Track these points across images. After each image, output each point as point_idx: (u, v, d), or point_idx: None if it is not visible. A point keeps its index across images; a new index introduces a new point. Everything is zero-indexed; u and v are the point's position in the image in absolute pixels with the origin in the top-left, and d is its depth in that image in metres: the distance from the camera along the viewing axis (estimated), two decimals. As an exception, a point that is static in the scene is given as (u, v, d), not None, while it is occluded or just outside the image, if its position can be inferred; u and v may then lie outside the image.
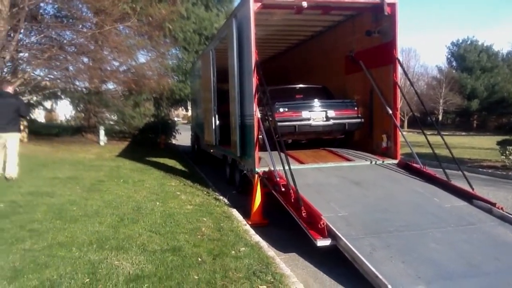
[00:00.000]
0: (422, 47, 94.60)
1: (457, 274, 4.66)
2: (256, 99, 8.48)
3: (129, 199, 8.33)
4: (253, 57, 8.44)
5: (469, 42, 55.19)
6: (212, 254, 5.26)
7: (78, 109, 26.13)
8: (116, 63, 21.78)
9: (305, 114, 9.58)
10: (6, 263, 4.73)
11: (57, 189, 9.10)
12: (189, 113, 51.40)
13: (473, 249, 5.24)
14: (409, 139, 9.29)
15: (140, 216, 7.01)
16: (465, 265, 4.87)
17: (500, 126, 49.27)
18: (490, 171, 13.97)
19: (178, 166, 14.96)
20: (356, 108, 9.89)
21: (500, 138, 16.45)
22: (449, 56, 57.53)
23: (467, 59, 52.98)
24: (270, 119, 8.51)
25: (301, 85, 10.97)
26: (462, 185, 7.21)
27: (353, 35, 10.54)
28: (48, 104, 27.92)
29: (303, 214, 6.14)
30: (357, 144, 10.37)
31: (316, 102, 9.77)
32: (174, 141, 25.89)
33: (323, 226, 5.66)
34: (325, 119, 9.64)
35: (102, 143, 21.95)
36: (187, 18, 23.10)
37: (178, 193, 9.33)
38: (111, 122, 26.18)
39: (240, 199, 9.13)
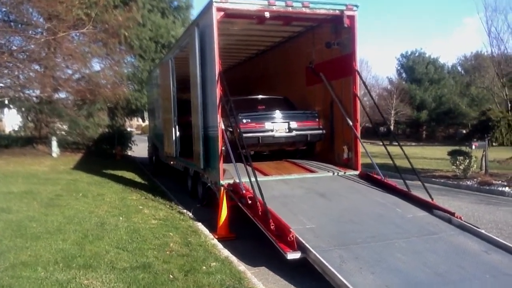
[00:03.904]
0: (373, 58, 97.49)
1: (424, 283, 4.82)
2: (220, 110, 8.44)
3: (91, 214, 8.08)
4: (217, 67, 8.43)
5: (417, 54, 57.13)
6: (183, 270, 5.18)
7: (29, 119, 25.06)
8: (70, 71, 21.21)
9: (268, 125, 9.63)
10: (-34, 286, 4.47)
11: (12, 204, 8.71)
12: (143, 123, 50.66)
13: (437, 259, 5.42)
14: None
15: (105, 232, 6.81)
16: (432, 274, 5.02)
17: (448, 136, 51.40)
18: (442, 180, 14.52)
19: (137, 178, 14.66)
20: (318, 120, 10.04)
21: (449, 148, 17.12)
22: (399, 67, 59.42)
23: (415, 70, 54.86)
24: (236, 130, 8.49)
25: (263, 96, 11.02)
26: (422, 195, 7.45)
27: (313, 47, 10.73)
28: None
29: (272, 227, 6.15)
30: (318, 155, 10.52)
31: (279, 113, 9.84)
32: (130, 153, 25.31)
33: (292, 239, 5.69)
34: (287, 131, 9.73)
35: (55, 155, 21.14)
36: (143, 25, 22.71)
37: (141, 207, 9.14)
38: (64, 133, 25.27)
39: (204, 212, 9.05)
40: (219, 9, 8.38)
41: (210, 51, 8.71)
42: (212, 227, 7.66)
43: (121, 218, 7.91)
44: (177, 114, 11.96)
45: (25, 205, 8.77)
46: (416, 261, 5.34)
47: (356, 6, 9.10)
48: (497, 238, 5.99)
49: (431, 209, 7.00)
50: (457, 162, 14.61)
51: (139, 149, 25.15)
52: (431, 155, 24.68)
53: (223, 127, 8.53)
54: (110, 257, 5.57)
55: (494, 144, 15.39)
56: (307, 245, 5.56)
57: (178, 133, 12.01)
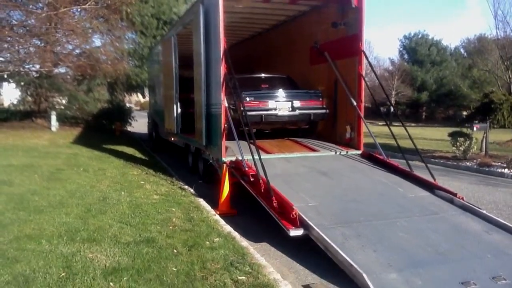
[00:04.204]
0: (375, 39, 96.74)
1: (426, 262, 4.85)
2: (223, 88, 8.40)
3: (93, 189, 8.10)
4: (222, 45, 8.34)
5: (420, 36, 56.77)
6: (187, 245, 5.22)
7: (28, 93, 24.90)
8: (70, 46, 21.04)
9: (271, 104, 9.58)
10: (-28, 257, 4.50)
11: (13, 177, 8.72)
12: (142, 99, 50.46)
13: (439, 238, 5.46)
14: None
15: (107, 206, 6.84)
16: (433, 253, 5.07)
17: (447, 118, 51.36)
18: (442, 161, 14.54)
19: (138, 154, 14.67)
20: (321, 99, 9.99)
21: (448, 129, 17.13)
22: (401, 49, 59.12)
23: (418, 52, 54.60)
24: (239, 108, 8.45)
25: (266, 75, 10.94)
26: (424, 175, 7.47)
27: (319, 26, 10.60)
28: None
29: (274, 204, 6.17)
30: (320, 135, 10.51)
31: (283, 92, 9.79)
32: (129, 128, 25.28)
33: (295, 216, 5.72)
34: (291, 109, 9.69)
35: (54, 129, 21.10)
36: (145, 2, 22.53)
37: (142, 182, 9.16)
38: (62, 107, 25.16)
39: (205, 188, 9.08)
40: None
41: (215, 28, 8.60)
42: (214, 203, 7.69)
43: (123, 193, 7.94)
44: (178, 91, 11.91)
45: (27, 178, 8.78)
46: (418, 239, 5.38)
47: (364, -14, 8.98)
48: (497, 219, 6.02)
49: (433, 189, 7.02)
50: (457, 143, 14.61)
51: (139, 124, 25.15)
52: (430, 136, 24.65)
53: (226, 104, 8.49)
54: (114, 231, 5.60)
55: (495, 126, 15.37)
56: (309, 222, 5.59)
57: (179, 110, 11.99)
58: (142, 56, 23.50)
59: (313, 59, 10.97)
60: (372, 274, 4.48)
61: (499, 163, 13.31)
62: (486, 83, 40.39)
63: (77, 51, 21.20)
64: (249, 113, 8.76)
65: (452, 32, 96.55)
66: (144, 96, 26.33)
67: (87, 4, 17.68)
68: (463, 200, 6.51)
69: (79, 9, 19.17)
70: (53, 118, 21.55)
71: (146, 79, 23.12)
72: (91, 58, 19.89)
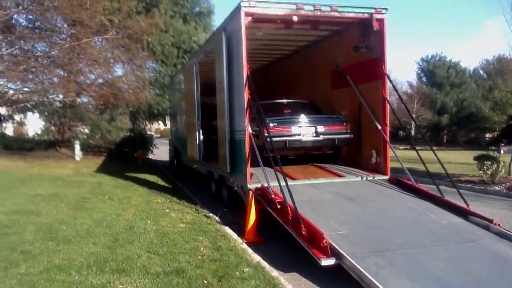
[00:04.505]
0: (393, 62, 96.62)
1: (466, 292, 4.66)
2: (247, 114, 8.38)
3: (119, 218, 8.09)
4: (245, 72, 8.37)
5: (437, 58, 56.50)
6: (217, 276, 5.12)
7: (52, 122, 25.40)
8: (93, 76, 21.45)
9: (295, 129, 9.53)
10: (3, 289, 4.47)
11: (41, 207, 8.78)
12: (162, 127, 50.95)
13: (477, 266, 5.26)
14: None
15: (134, 235, 6.80)
16: (473, 282, 4.88)
17: (469, 141, 50.55)
18: (469, 185, 14.20)
19: (161, 182, 14.70)
20: (345, 124, 9.91)
21: (471, 152, 16.79)
22: (419, 71, 58.77)
23: (436, 74, 54.23)
24: (263, 134, 8.41)
25: (289, 100, 10.93)
26: (456, 200, 7.26)
27: (340, 50, 10.59)
28: (17, 117, 27.20)
29: (303, 232, 6.04)
30: (345, 160, 10.38)
31: (306, 117, 9.74)
32: (151, 156, 25.47)
33: (325, 244, 5.58)
34: (315, 135, 9.62)
35: (77, 158, 21.39)
36: (165, 31, 22.92)
37: (167, 210, 9.12)
38: (85, 136, 25.56)
39: (230, 216, 9.00)
40: (247, 14, 8.32)
41: (237, 55, 8.65)
42: (240, 231, 7.60)
43: (149, 221, 7.90)
44: (201, 118, 11.96)
45: (53, 208, 8.83)
46: (456, 269, 5.19)
47: (385, 9, 8.98)
48: (537, 246, 5.79)
49: (466, 216, 6.81)
50: (484, 167, 14.29)
51: (160, 152, 25.30)
52: (454, 160, 24.16)
53: (251, 131, 8.46)
54: (142, 261, 5.54)
55: (523, 149, 15.02)
56: (341, 251, 5.44)
57: (201, 137, 12.02)
58: (163, 85, 23.83)
59: (335, 83, 10.93)
60: (410, 305, 4.31)
61: (530, 187, 12.95)
62: (508, 104, 39.66)
63: (100, 80, 21.62)
64: (273, 139, 8.73)
65: (471, 53, 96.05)
66: (165, 124, 26.56)
67: (109, 34, 18.05)
68: (500, 227, 6.29)
69: (100, 39, 19.59)
70: (77, 147, 21.87)
71: (167, 107, 23.37)
72: (113, 88, 20.23)
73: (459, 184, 14.33)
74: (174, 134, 18.95)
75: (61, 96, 21.07)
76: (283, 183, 7.07)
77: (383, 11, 8.97)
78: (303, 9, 8.56)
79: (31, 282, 4.64)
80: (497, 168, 14.12)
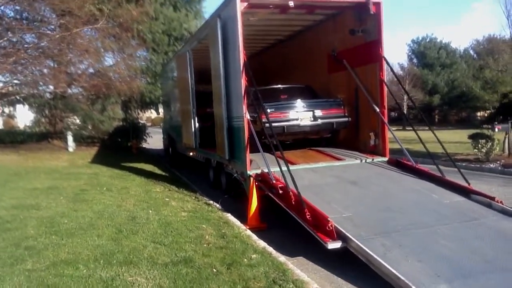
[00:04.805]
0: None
1: (475, 271, 4.68)
2: (245, 101, 8.32)
3: (120, 208, 8.03)
4: (242, 58, 8.28)
5: (428, 39, 56.55)
6: (225, 264, 5.10)
7: (43, 114, 25.14)
8: (83, 66, 21.18)
9: (292, 114, 9.49)
10: (12, 287, 4.41)
11: (40, 200, 8.70)
12: (153, 115, 50.56)
13: (483, 245, 5.29)
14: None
15: (138, 226, 6.75)
16: (481, 261, 4.89)
17: (460, 120, 50.95)
18: (464, 164, 14.24)
19: (157, 170, 14.63)
20: (343, 107, 9.87)
21: (463, 131, 16.85)
22: (409, 53, 58.91)
23: (427, 56, 54.34)
24: (261, 120, 8.37)
25: (285, 85, 10.86)
26: (457, 180, 7.29)
27: (335, 34, 10.52)
28: (6, 110, 26.92)
29: (308, 217, 6.04)
30: (342, 143, 10.37)
31: (303, 102, 9.69)
32: (145, 145, 25.33)
33: (331, 228, 5.58)
34: (313, 119, 9.59)
35: (71, 149, 21.22)
36: (155, 19, 22.61)
37: (167, 199, 9.08)
38: (77, 128, 25.33)
39: (230, 202, 8.98)
40: (243, 0, 8.22)
41: (233, 42, 8.56)
42: (242, 218, 7.57)
43: (150, 211, 7.85)
44: (196, 105, 11.87)
45: (53, 201, 8.75)
46: (462, 248, 5.20)
47: (382, -8, 8.91)
48: (541, 222, 5.83)
49: (468, 194, 6.85)
50: (479, 145, 14.38)
51: (153, 141, 25.18)
52: (448, 139, 24.29)
53: (249, 117, 8.40)
54: (149, 252, 5.50)
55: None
56: (347, 234, 5.45)
57: (197, 125, 11.94)
58: (155, 73, 23.59)
59: (331, 67, 10.87)
60: (421, 286, 4.32)
61: (525, 164, 13.06)
62: (498, 83, 39.84)
63: (91, 70, 21.37)
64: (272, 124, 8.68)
65: (460, 35, 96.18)
66: (158, 113, 26.37)
67: (100, 24, 17.78)
68: (502, 204, 6.32)
69: (90, 29, 19.30)
70: (70, 138, 21.70)
71: (159, 95, 23.19)
72: (105, 77, 20.00)
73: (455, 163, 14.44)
74: (168, 122, 18.81)
75: (51, 87, 20.84)
76: (284, 168, 7.05)
77: (380, -6, 8.90)
78: None
79: (40, 278, 4.59)
80: (492, 146, 14.21)
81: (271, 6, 9.00)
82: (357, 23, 9.55)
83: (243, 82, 8.28)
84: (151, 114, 42.59)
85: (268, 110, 9.19)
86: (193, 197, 9.47)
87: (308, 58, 11.99)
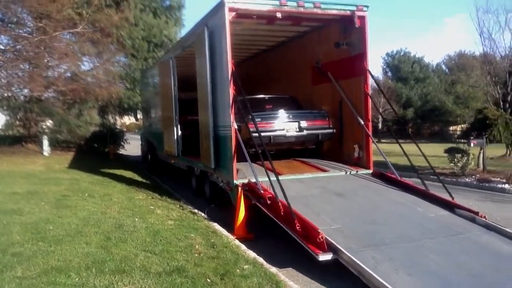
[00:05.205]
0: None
1: (462, 285, 4.80)
2: (233, 110, 8.35)
3: (105, 216, 7.92)
4: (230, 67, 8.33)
5: (402, 53, 57.89)
6: (219, 274, 5.10)
7: (17, 117, 24.54)
8: (61, 70, 20.80)
9: (279, 124, 9.56)
10: (3, 294, 4.32)
11: (22, 205, 8.50)
12: (127, 121, 49.85)
13: (469, 259, 5.42)
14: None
15: (126, 234, 6.67)
16: (467, 276, 5.02)
17: (433, 134, 52.06)
18: (440, 177, 14.55)
19: (137, 177, 14.48)
20: (327, 119, 10.01)
21: (436, 145, 17.25)
22: (384, 66, 60.17)
23: (401, 69, 55.56)
24: (248, 129, 8.39)
25: (270, 95, 10.95)
26: (440, 194, 7.46)
27: (320, 46, 10.66)
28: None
29: (297, 228, 6.08)
30: (326, 154, 10.49)
31: (289, 113, 9.78)
32: (122, 151, 24.99)
33: (322, 240, 5.64)
34: (298, 130, 9.68)
35: (46, 154, 20.72)
36: (135, 25, 22.51)
37: (152, 207, 9.01)
38: (52, 132, 24.76)
39: (215, 211, 8.96)
40: (231, 9, 8.27)
41: (221, 51, 8.61)
42: (228, 227, 7.57)
43: (136, 219, 7.77)
44: (178, 113, 11.83)
45: (35, 206, 8.57)
46: (449, 262, 5.32)
47: (367, 6, 9.10)
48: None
49: (452, 208, 7.00)
50: (455, 159, 14.74)
51: (130, 147, 24.89)
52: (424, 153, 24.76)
53: (236, 126, 8.43)
54: (141, 260, 5.45)
55: (492, 141, 15.56)
56: (338, 246, 5.52)
57: (180, 132, 11.90)
58: (133, 79, 23.41)
59: (315, 79, 11.00)
60: (412, 299, 4.42)
61: (498, 179, 13.45)
62: (470, 98, 41.06)
63: (68, 74, 20.99)
64: (256, 134, 8.71)
65: (433, 49, 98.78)
66: (137, 119, 26.07)
67: (79, 28, 17.54)
68: (486, 219, 6.50)
69: (69, 33, 19.00)
70: (45, 142, 21.21)
71: (138, 101, 22.99)
72: (82, 82, 19.71)
73: (431, 176, 14.73)
74: (148, 128, 18.63)
75: (25, 91, 20.40)
76: (273, 178, 7.10)
77: (365, 8, 9.09)
78: (286, 5, 8.58)
79: (32, 286, 4.49)
80: (467, 160, 14.60)
81: (257, 17, 9.08)
82: (342, 36, 9.72)
83: (231, 91, 8.32)
84: (129, 119, 42.01)
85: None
86: (178, 205, 9.42)
87: (292, 69, 12.11)
